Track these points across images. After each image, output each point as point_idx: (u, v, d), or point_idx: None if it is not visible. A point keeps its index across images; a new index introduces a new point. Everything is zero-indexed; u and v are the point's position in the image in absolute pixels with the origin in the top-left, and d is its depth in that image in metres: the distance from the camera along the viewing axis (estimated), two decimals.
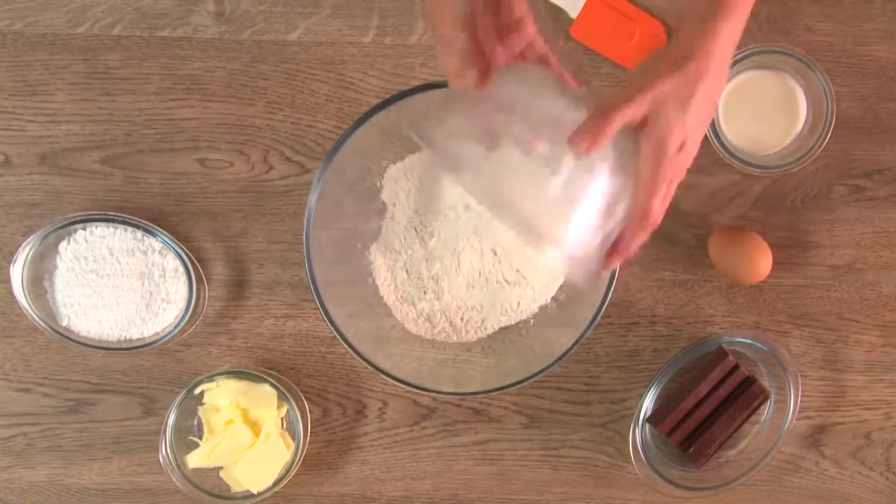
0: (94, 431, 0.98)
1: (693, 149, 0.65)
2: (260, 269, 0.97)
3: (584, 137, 0.60)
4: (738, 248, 0.92)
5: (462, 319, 0.93)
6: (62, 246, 0.94)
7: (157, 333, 0.95)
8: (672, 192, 0.66)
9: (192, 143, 0.96)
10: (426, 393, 0.89)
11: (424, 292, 0.93)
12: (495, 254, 0.92)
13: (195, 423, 0.96)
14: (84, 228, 0.94)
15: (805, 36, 0.95)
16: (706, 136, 0.91)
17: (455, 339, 0.93)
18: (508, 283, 0.92)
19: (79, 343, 0.94)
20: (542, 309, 0.94)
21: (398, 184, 0.93)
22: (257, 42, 0.96)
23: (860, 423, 0.97)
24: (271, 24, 0.95)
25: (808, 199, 0.96)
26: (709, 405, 0.94)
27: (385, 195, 0.94)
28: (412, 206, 0.93)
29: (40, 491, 0.98)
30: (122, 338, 0.95)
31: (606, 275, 0.85)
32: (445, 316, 0.93)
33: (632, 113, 0.61)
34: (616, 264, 0.66)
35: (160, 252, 0.94)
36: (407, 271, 0.93)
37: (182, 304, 0.95)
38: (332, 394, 0.97)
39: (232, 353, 0.97)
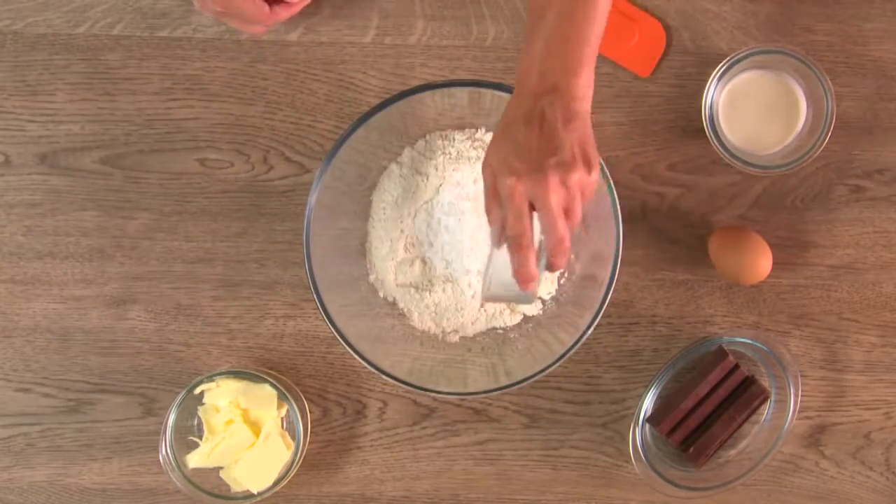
0: (94, 431, 0.98)
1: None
2: (260, 269, 0.97)
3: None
4: (738, 248, 0.92)
5: (463, 316, 0.93)
6: None
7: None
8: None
9: (192, 143, 0.96)
10: (426, 393, 0.89)
11: (424, 289, 0.93)
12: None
13: (195, 423, 0.96)
14: None
15: (805, 36, 0.95)
16: (707, 135, 0.91)
17: (456, 338, 0.93)
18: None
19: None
20: (542, 309, 0.94)
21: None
22: (257, 42, 0.96)
23: (860, 423, 0.97)
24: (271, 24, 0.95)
25: (808, 199, 0.96)
26: (709, 405, 0.94)
27: (377, 195, 0.94)
28: None
29: (40, 491, 0.98)
30: None
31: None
32: (446, 313, 0.93)
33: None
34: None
35: None
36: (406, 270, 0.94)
37: None
38: (332, 394, 0.97)
39: (232, 353, 0.97)
